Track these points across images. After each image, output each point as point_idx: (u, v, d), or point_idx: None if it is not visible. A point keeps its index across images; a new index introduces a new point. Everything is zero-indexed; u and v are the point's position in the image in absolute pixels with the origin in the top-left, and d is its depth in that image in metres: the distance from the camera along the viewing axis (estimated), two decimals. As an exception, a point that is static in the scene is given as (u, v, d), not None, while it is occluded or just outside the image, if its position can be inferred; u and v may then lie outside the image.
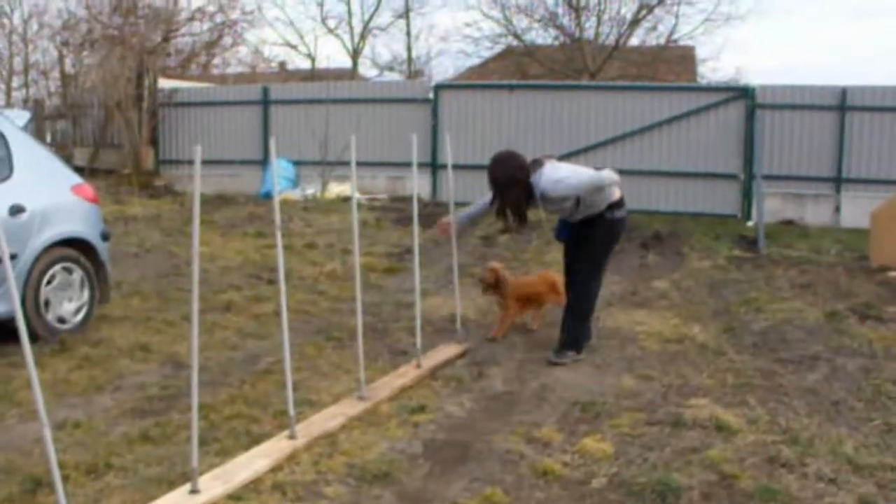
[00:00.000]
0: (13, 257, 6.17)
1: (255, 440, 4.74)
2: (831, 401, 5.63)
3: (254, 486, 4.18)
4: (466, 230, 6.89)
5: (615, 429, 5.07)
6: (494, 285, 7.15)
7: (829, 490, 4.26)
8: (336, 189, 16.37)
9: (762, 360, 6.58)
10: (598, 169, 6.48)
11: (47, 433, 3.40)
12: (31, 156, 6.87)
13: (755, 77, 53.32)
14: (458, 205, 7.08)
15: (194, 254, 4.05)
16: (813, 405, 5.54)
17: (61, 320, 6.84)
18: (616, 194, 6.42)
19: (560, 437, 4.93)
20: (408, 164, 9.45)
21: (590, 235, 6.45)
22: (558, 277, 7.16)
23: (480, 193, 6.86)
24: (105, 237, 7.37)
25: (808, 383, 6.00)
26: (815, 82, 16.41)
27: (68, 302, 6.91)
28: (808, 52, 57.31)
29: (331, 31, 41.65)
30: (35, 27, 30.11)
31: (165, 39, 23.60)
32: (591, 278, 6.62)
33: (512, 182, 6.19)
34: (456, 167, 7.04)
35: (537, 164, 6.30)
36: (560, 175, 6.22)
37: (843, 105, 14.78)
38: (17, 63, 31.57)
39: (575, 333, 6.52)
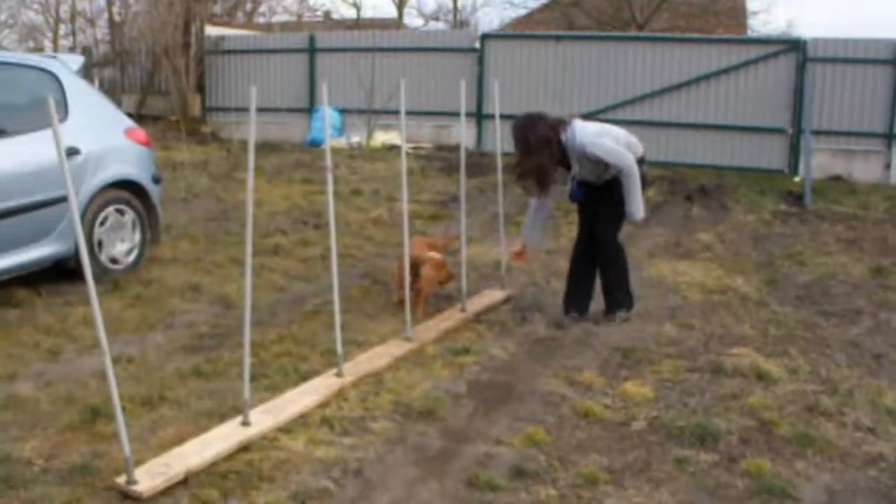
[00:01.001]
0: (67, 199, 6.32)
1: (304, 377, 4.87)
2: (873, 354, 5.66)
3: (302, 420, 4.32)
4: (539, 238, 6.65)
5: (656, 374, 5.15)
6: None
7: (867, 438, 4.31)
8: (381, 137, 16.43)
9: (804, 312, 6.60)
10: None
11: (109, 364, 3.53)
12: (85, 100, 6.99)
13: (807, 30, 52.30)
14: (503, 154, 7.10)
15: (249, 192, 4.15)
16: (854, 357, 5.57)
17: (114, 261, 7.01)
18: (640, 150, 6.23)
19: (601, 381, 5.01)
20: (453, 114, 9.46)
21: (609, 198, 6.12)
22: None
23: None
24: (156, 180, 7.51)
25: (850, 336, 6.02)
26: (869, 35, 16.09)
27: (121, 243, 7.07)
28: (863, 4, 55.97)
29: (377, -20, 41.44)
30: (83, -26, 30.29)
31: (212, -14, 23.64)
32: (615, 234, 6.33)
33: (544, 143, 5.97)
34: (502, 117, 7.05)
35: (564, 123, 6.09)
36: (589, 132, 6.02)
37: (897, 59, 14.51)
38: (63, 11, 31.81)
39: (620, 291, 6.35)
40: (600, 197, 6.20)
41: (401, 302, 5.86)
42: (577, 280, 6.44)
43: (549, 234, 8.26)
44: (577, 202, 6.42)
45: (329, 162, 4.87)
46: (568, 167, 6.16)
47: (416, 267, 6.10)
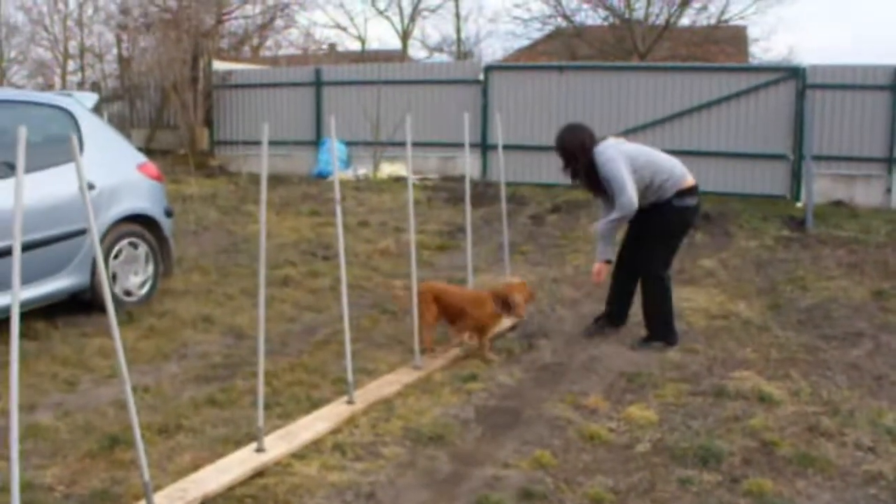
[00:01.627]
0: (84, 232, 6.49)
1: (315, 405, 5.00)
2: (873, 375, 5.76)
3: (315, 446, 4.44)
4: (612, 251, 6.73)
5: (660, 398, 5.26)
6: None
7: (866, 458, 4.41)
8: (387, 169, 16.60)
9: (806, 335, 6.71)
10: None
11: (129, 392, 3.65)
12: (99, 135, 7.17)
13: (808, 56, 52.45)
14: (508, 184, 7.24)
15: (262, 224, 4.29)
16: (855, 379, 5.68)
17: (128, 293, 7.16)
18: (688, 181, 6.32)
19: (606, 405, 5.13)
20: (458, 145, 9.60)
21: (652, 223, 6.29)
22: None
23: (529, 174, 6.99)
24: (168, 214, 7.67)
25: (850, 358, 6.13)
26: (868, 61, 16.26)
27: (134, 275, 7.22)
28: (863, 31, 56.33)
29: (381, 12, 41.83)
30: (90, 11, 30.65)
31: (219, 22, 23.94)
32: (657, 267, 6.39)
33: (578, 150, 6.28)
34: (506, 147, 7.21)
35: (601, 139, 6.36)
36: (609, 154, 6.17)
37: (895, 85, 14.67)
38: (73, 47, 32.15)
39: (657, 323, 6.43)
40: (645, 220, 6.30)
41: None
42: (615, 288, 6.69)
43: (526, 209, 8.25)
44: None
45: (338, 194, 5.01)
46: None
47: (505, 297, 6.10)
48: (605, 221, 6.33)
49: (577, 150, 6.28)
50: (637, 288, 6.59)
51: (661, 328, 6.42)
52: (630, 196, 6.06)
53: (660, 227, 6.31)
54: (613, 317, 6.72)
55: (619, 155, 6.18)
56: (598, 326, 6.71)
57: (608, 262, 6.41)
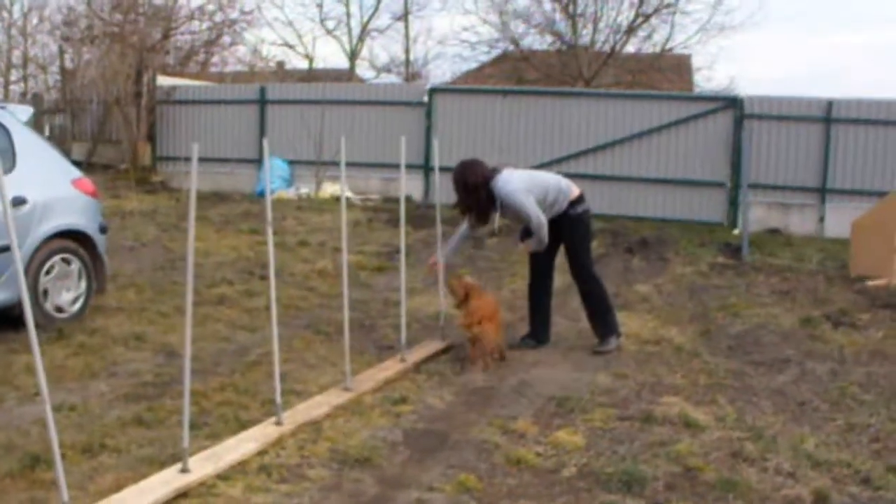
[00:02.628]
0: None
1: (244, 426, 4.97)
2: (797, 401, 5.88)
3: (241, 467, 4.41)
4: (454, 260, 7.22)
5: (588, 423, 5.31)
6: (464, 300, 6.75)
7: (786, 483, 4.49)
8: (330, 189, 16.59)
9: (735, 362, 6.83)
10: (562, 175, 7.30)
11: (49, 411, 3.61)
12: (33, 150, 7.09)
13: (749, 86, 53.45)
14: (446, 206, 7.31)
15: (190, 246, 4.28)
16: (779, 405, 5.79)
17: (59, 309, 7.07)
18: (575, 192, 6.97)
19: (535, 430, 5.17)
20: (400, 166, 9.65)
21: (563, 235, 6.94)
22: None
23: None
24: (103, 230, 7.59)
25: (776, 384, 6.25)
26: (804, 93, 16.67)
27: (66, 292, 7.13)
28: (803, 64, 57.61)
29: (329, 32, 41.55)
30: (35, 21, 30.28)
31: (165, 37, 23.79)
32: (589, 268, 7.11)
33: (479, 186, 6.71)
34: (448, 170, 7.24)
35: (496, 171, 6.82)
36: (511, 188, 6.69)
37: (828, 117, 15.04)
38: (16, 57, 31.71)
39: (608, 318, 7.08)
40: (555, 236, 6.86)
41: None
42: (535, 311, 7.17)
43: (459, 256, 8.48)
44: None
45: (269, 216, 5.00)
46: (496, 210, 6.78)
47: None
48: (531, 240, 6.85)
49: (479, 184, 6.72)
50: (552, 304, 7.26)
51: (611, 322, 7.09)
52: (539, 217, 6.69)
53: (570, 235, 6.95)
54: (538, 334, 7.16)
55: (519, 184, 6.73)
56: (524, 344, 7.10)
57: (443, 264, 7.06)
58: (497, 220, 6.87)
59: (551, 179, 7.03)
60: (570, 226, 6.91)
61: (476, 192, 6.72)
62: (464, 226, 7.05)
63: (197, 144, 4.28)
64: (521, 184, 6.75)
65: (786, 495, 4.35)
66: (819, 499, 4.29)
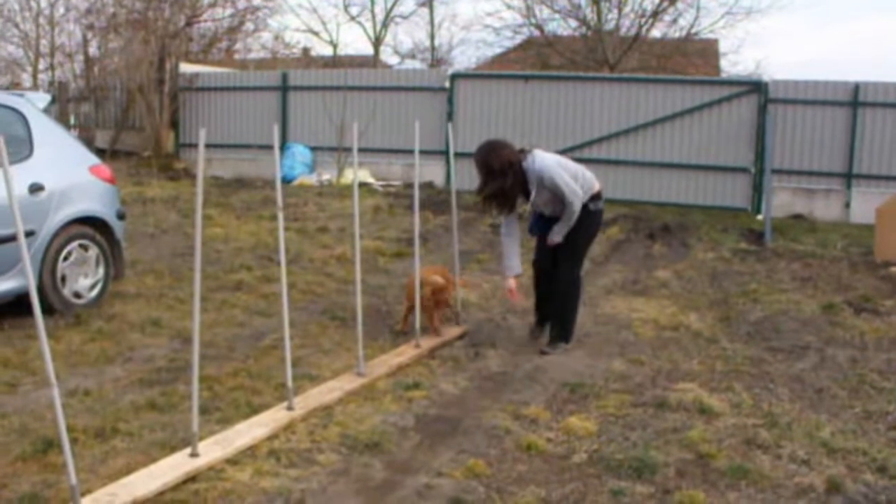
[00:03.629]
0: (31, 234, 6.45)
1: (255, 411, 4.98)
2: (815, 388, 5.82)
3: (251, 452, 4.42)
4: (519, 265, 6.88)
5: (601, 409, 5.28)
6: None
7: (800, 471, 4.45)
8: (351, 175, 16.56)
9: (753, 348, 6.77)
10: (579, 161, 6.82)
11: (56, 395, 3.63)
12: (50, 137, 7.12)
13: (776, 71, 53.03)
14: (467, 192, 7.27)
15: (197, 231, 4.28)
16: (797, 392, 5.73)
17: (77, 295, 7.11)
18: (596, 186, 6.60)
19: (547, 416, 5.14)
20: (423, 152, 9.67)
21: (574, 228, 6.48)
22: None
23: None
24: (120, 216, 7.62)
25: (795, 371, 6.19)
26: (831, 77, 16.46)
27: (84, 278, 7.18)
28: (830, 47, 56.97)
29: (353, 18, 41.64)
30: (61, 10, 30.45)
31: (188, 24, 23.89)
32: (577, 269, 6.72)
33: (507, 167, 6.28)
34: (468, 155, 7.19)
35: (524, 151, 6.44)
36: (550, 163, 6.34)
37: (855, 101, 14.84)
38: (44, 45, 31.89)
39: (566, 325, 6.66)
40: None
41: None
42: (541, 296, 6.90)
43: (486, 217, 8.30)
44: (537, 236, 6.82)
45: (280, 201, 5.00)
46: (527, 194, 6.43)
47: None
48: (559, 227, 6.48)
49: (505, 166, 6.28)
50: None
51: (569, 329, 6.66)
52: (577, 195, 6.35)
53: (578, 227, 6.50)
54: (544, 324, 6.90)
55: (555, 162, 6.40)
56: (533, 336, 6.87)
57: (518, 276, 6.73)
58: (521, 204, 6.60)
59: (580, 169, 6.58)
60: (582, 219, 6.46)
61: (503, 175, 6.26)
62: (503, 224, 6.73)
63: (204, 130, 4.28)
64: (556, 162, 6.40)
65: (798, 483, 4.30)
66: (832, 487, 4.24)
